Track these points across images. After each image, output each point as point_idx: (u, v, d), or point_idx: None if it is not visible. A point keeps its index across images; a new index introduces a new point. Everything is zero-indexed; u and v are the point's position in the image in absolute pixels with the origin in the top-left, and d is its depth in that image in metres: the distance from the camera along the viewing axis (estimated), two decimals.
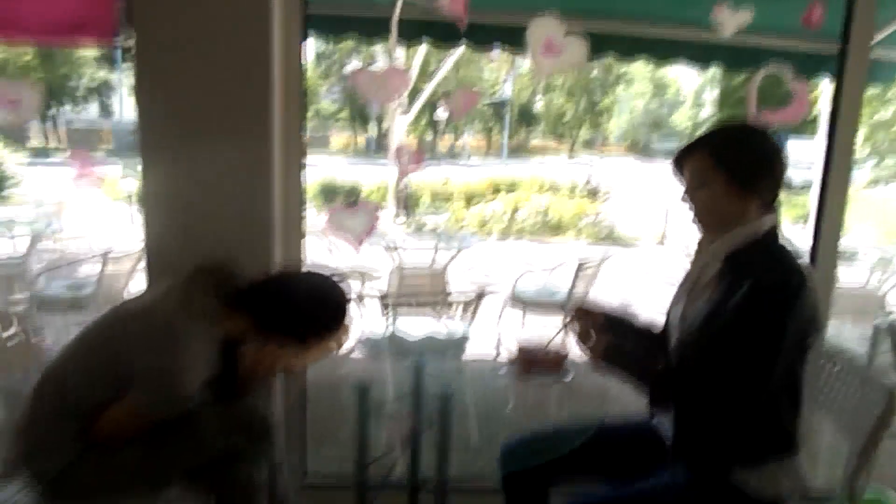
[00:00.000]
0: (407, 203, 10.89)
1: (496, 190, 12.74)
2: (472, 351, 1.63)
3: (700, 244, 1.57)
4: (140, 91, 1.95)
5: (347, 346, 1.76)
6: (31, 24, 2.12)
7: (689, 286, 1.56)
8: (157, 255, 1.99)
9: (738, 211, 1.44)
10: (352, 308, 1.64)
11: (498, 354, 1.99)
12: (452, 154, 31.07)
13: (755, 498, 1.43)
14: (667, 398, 1.57)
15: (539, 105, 35.85)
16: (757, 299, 1.34)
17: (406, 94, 2.27)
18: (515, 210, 11.11)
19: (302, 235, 2.20)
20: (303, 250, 2.21)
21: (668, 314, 1.64)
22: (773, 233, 1.44)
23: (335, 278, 1.62)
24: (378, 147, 31.79)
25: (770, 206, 1.47)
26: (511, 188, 12.71)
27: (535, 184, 13.00)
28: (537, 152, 35.55)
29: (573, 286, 3.63)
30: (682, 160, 1.50)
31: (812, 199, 2.34)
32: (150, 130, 1.97)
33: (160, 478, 1.60)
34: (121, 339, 1.46)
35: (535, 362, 1.52)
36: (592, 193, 13.00)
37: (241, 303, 1.54)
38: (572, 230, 10.96)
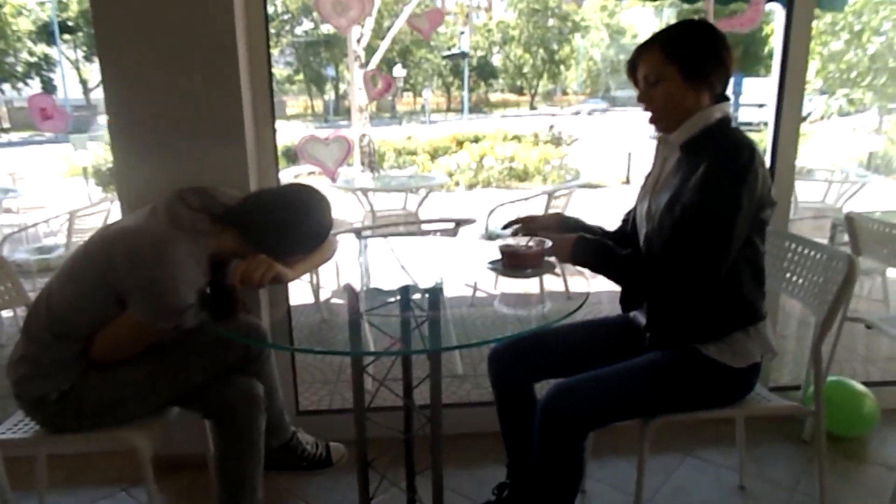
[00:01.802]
0: (372, 158, 10.79)
1: (460, 143, 12.71)
2: (448, 287, 1.69)
3: (659, 142, 1.65)
4: (102, 47, 1.89)
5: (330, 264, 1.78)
6: None
7: (653, 182, 1.64)
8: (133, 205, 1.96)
9: (692, 102, 1.51)
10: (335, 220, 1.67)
11: (475, 289, 2.03)
12: (413, 112, 30.69)
13: (728, 366, 1.53)
14: (640, 291, 1.66)
15: (497, 59, 35.50)
16: (711, 176, 1.42)
17: (370, 18, 2.24)
18: (481, 159, 11.13)
19: None
20: None
21: (635, 213, 1.72)
22: (725, 119, 1.52)
23: (318, 194, 1.63)
24: (336, 110, 31.25)
25: (721, 95, 1.54)
26: (475, 142, 12.70)
27: (499, 135, 13.00)
28: (498, 106, 35.36)
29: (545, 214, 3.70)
30: (636, 62, 1.56)
31: (769, 131, 2.40)
32: (117, 100, 1.94)
33: (161, 397, 1.63)
34: (110, 258, 1.46)
35: (519, 257, 1.58)
36: (556, 141, 13.09)
37: (227, 219, 1.55)
38: (538, 177, 11.05)
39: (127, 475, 2.19)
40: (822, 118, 14.55)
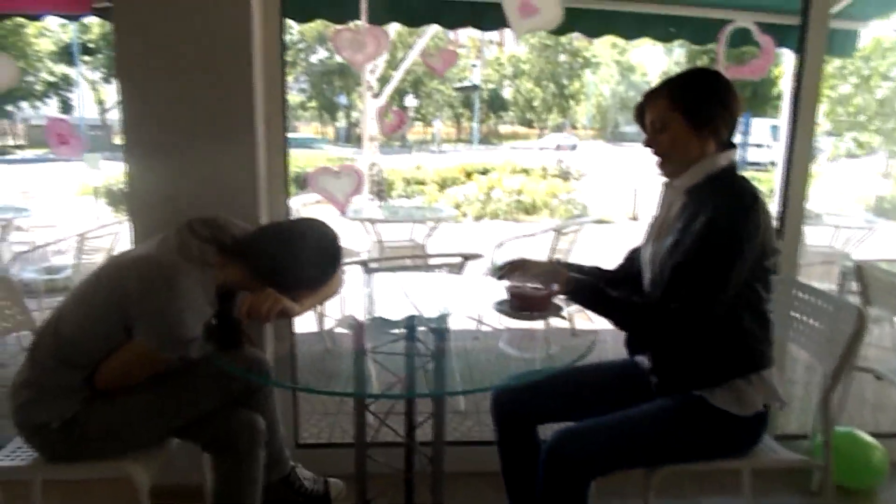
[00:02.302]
0: (380, 187, 10.87)
1: (468, 174, 12.79)
2: (453, 321, 1.69)
3: (664, 187, 1.66)
4: (121, 68, 1.94)
5: (337, 298, 1.78)
6: None
7: (658, 226, 1.65)
8: (144, 235, 1.97)
9: (698, 149, 1.52)
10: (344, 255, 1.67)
11: (479, 322, 2.03)
12: (423, 142, 30.96)
13: (730, 414, 1.51)
14: (641, 335, 1.65)
15: (508, 92, 35.93)
16: (712, 222, 1.43)
17: (384, 55, 2.28)
18: (490, 191, 11.18)
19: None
20: None
21: (640, 257, 1.73)
22: (730, 166, 1.53)
23: (327, 228, 1.64)
24: (347, 137, 31.58)
25: (727, 143, 1.55)
26: (484, 173, 12.78)
27: (507, 167, 13.09)
28: (508, 138, 35.67)
29: (552, 251, 3.70)
30: (643, 108, 1.59)
31: (777, 173, 2.41)
32: (133, 121, 1.97)
33: (162, 427, 1.62)
34: (118, 287, 1.46)
35: (527, 300, 1.57)
36: (564, 175, 13.16)
37: (236, 252, 1.56)
38: (546, 210, 11.08)
39: (122, 503, 2.16)
40: (830, 160, 14.61)
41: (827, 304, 1.73)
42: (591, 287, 1.60)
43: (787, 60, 2.57)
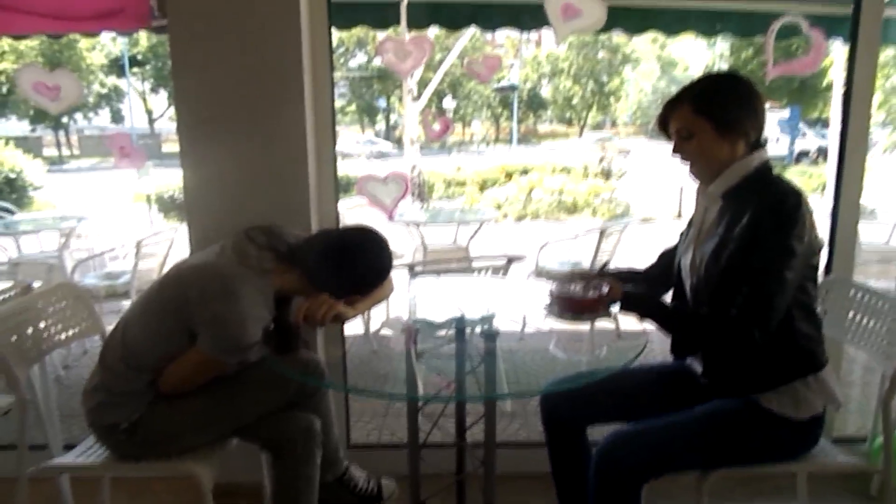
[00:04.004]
0: (422, 190, 10.94)
1: (508, 175, 12.76)
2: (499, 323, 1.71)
3: (698, 192, 1.65)
4: (176, 78, 2.02)
5: (389, 301, 1.82)
6: (69, 11, 2.20)
7: (695, 233, 1.64)
8: (200, 241, 2.08)
9: (728, 153, 1.51)
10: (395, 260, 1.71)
11: (524, 325, 2.04)
12: (462, 143, 30.99)
13: (786, 417, 1.50)
14: (690, 342, 1.64)
15: (546, 90, 35.64)
16: (759, 222, 1.42)
17: (424, 63, 2.32)
18: (530, 192, 11.14)
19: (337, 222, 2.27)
20: None
21: (679, 265, 1.71)
22: (764, 167, 1.51)
23: (378, 236, 1.68)
24: (387, 140, 31.84)
25: (757, 143, 1.53)
26: (524, 173, 12.72)
27: (547, 167, 13.01)
28: (547, 137, 35.40)
29: (597, 252, 3.68)
30: (666, 117, 1.57)
31: (829, 168, 2.34)
32: (187, 120, 2.05)
33: (222, 428, 1.69)
34: (181, 294, 1.54)
35: (575, 302, 1.58)
36: (606, 173, 13.01)
37: (291, 259, 1.62)
38: (588, 209, 10.98)
39: (184, 501, 2.25)
40: (885, 152, 14.06)
41: (885, 303, 1.69)
42: (644, 298, 1.60)
43: (836, 50, 2.49)
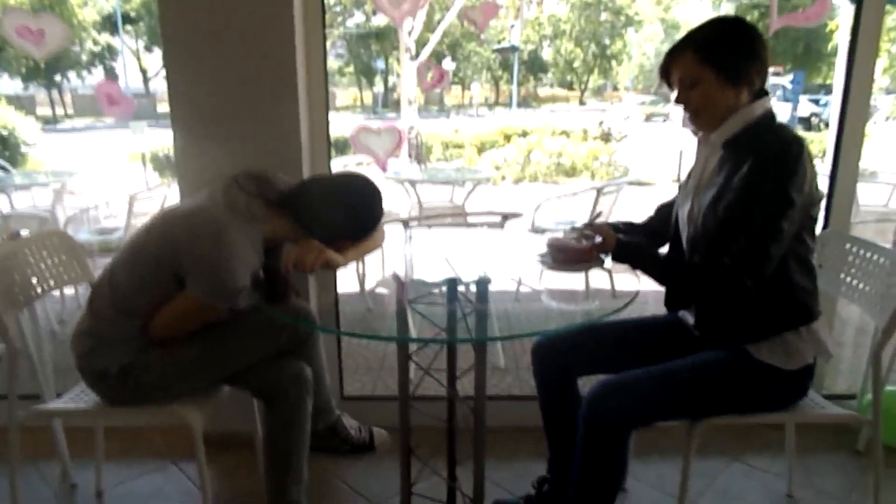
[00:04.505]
0: (419, 151, 10.84)
1: (507, 137, 12.63)
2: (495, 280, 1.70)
3: (699, 141, 1.62)
4: (166, 43, 1.96)
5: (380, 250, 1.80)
6: None
7: (695, 182, 1.61)
8: (190, 189, 2.03)
9: (731, 100, 1.47)
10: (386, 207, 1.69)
11: (520, 283, 2.03)
12: (461, 105, 30.66)
13: (777, 368, 1.49)
14: (683, 292, 1.63)
15: (548, 53, 35.10)
16: (759, 171, 1.39)
17: (422, 11, 2.25)
18: (529, 154, 11.05)
19: None
20: None
21: (676, 214, 1.69)
22: (767, 115, 1.48)
23: (370, 182, 1.66)
24: (385, 102, 31.48)
25: (761, 91, 1.50)
26: (523, 135, 12.59)
27: (547, 129, 12.87)
28: (547, 101, 35.02)
29: (594, 210, 3.66)
30: (669, 65, 1.53)
31: (830, 134, 2.30)
32: (178, 88, 2.01)
33: (213, 375, 1.69)
34: (169, 239, 1.52)
35: (568, 251, 1.57)
36: (605, 137, 12.89)
37: (281, 205, 1.59)
38: (587, 172, 10.91)
39: (178, 450, 2.27)
40: (888, 119, 13.93)
41: (881, 257, 1.68)
42: (637, 247, 1.59)
43: (843, 14, 2.42)
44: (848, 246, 1.81)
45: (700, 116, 1.53)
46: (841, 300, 1.95)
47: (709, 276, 1.46)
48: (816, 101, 17.06)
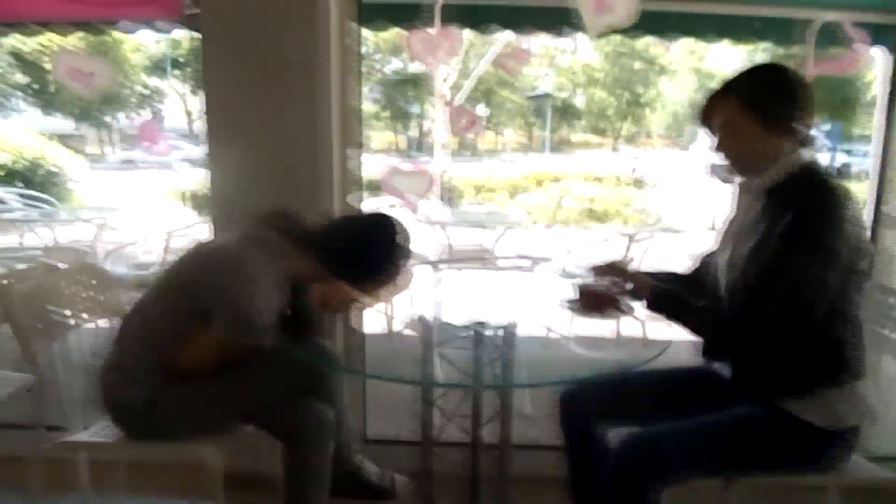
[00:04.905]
0: (451, 194, 10.93)
1: (539, 182, 12.68)
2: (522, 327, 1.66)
3: (740, 188, 1.58)
4: (206, 83, 2.05)
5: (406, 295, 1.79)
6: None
7: (735, 230, 1.57)
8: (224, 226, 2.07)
9: (775, 150, 1.44)
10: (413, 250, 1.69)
11: (549, 330, 2.00)
12: (493, 151, 30.95)
13: (819, 426, 1.42)
14: (723, 345, 1.58)
15: (580, 100, 35.40)
16: (801, 223, 1.35)
17: (457, 59, 2.30)
18: (560, 199, 11.05)
19: None
20: None
21: (716, 263, 1.65)
22: (812, 164, 1.44)
23: (398, 223, 1.66)
24: (419, 146, 31.99)
25: (806, 139, 1.46)
26: (555, 181, 12.63)
27: (579, 175, 12.90)
28: (579, 147, 35.17)
29: (626, 255, 3.61)
30: (710, 111, 1.50)
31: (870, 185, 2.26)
32: (215, 127, 2.08)
33: (235, 413, 1.68)
34: (197, 276, 1.54)
35: (597, 297, 1.54)
36: (638, 183, 12.85)
37: (308, 245, 1.60)
38: (618, 218, 10.84)
39: (198, 488, 2.24)
40: None
41: None
42: (672, 295, 1.55)
43: (879, 64, 2.40)
44: (892, 300, 1.73)
45: (740, 163, 1.50)
46: (885, 356, 1.86)
47: (748, 327, 1.40)
48: (848, 152, 16.85)
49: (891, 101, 2.12)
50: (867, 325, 1.76)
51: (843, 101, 18.18)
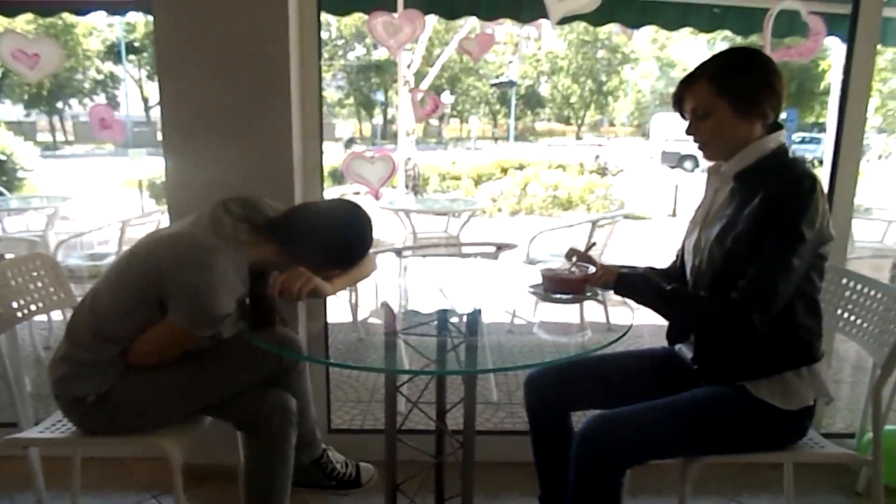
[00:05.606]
0: (416, 181, 10.89)
1: (504, 170, 12.73)
2: (487, 313, 1.66)
3: (709, 173, 1.60)
4: (161, 70, 1.97)
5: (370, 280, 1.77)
6: None
7: (703, 213, 1.59)
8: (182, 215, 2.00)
9: (744, 133, 1.46)
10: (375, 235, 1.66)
11: (513, 315, 2.00)
12: (459, 138, 30.96)
13: (775, 407, 1.45)
14: (687, 326, 1.60)
15: (545, 88, 35.61)
16: (771, 205, 1.36)
17: (420, 43, 2.27)
18: (525, 186, 11.11)
19: None
20: None
21: (683, 247, 1.67)
22: (781, 149, 1.46)
23: (360, 210, 1.63)
24: (384, 134, 31.78)
25: (775, 123, 1.48)
26: (519, 168, 12.70)
27: (544, 163, 12.99)
28: (544, 135, 35.41)
29: (588, 241, 3.64)
30: (682, 94, 1.51)
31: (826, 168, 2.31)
32: (171, 114, 2.00)
33: (194, 404, 1.63)
34: (152, 264, 1.48)
35: (562, 282, 1.54)
36: (601, 171, 13.01)
37: (268, 231, 1.56)
38: (582, 206, 10.95)
39: (158, 482, 2.20)
40: (881, 157, 14.09)
41: (880, 293, 1.65)
42: (640, 278, 1.55)
43: (835, 54, 2.44)
44: (845, 281, 1.78)
45: (711, 147, 1.51)
46: (838, 336, 1.92)
47: (715, 309, 1.42)
48: (803, 140, 17.43)
49: (844, 89, 2.16)
50: (828, 306, 1.81)
51: (799, 90, 18.69)
